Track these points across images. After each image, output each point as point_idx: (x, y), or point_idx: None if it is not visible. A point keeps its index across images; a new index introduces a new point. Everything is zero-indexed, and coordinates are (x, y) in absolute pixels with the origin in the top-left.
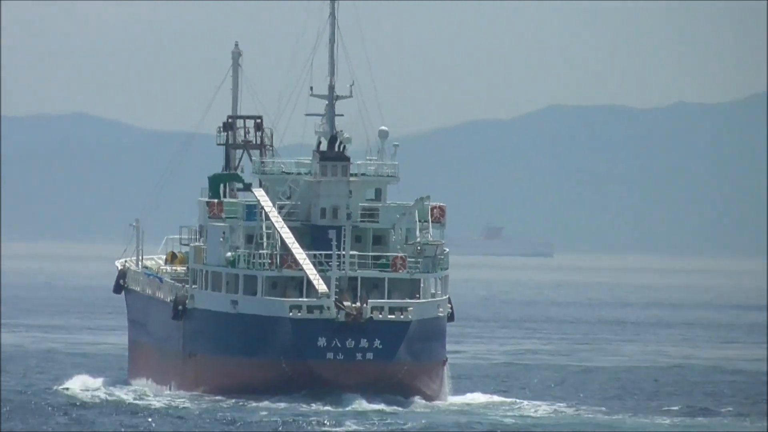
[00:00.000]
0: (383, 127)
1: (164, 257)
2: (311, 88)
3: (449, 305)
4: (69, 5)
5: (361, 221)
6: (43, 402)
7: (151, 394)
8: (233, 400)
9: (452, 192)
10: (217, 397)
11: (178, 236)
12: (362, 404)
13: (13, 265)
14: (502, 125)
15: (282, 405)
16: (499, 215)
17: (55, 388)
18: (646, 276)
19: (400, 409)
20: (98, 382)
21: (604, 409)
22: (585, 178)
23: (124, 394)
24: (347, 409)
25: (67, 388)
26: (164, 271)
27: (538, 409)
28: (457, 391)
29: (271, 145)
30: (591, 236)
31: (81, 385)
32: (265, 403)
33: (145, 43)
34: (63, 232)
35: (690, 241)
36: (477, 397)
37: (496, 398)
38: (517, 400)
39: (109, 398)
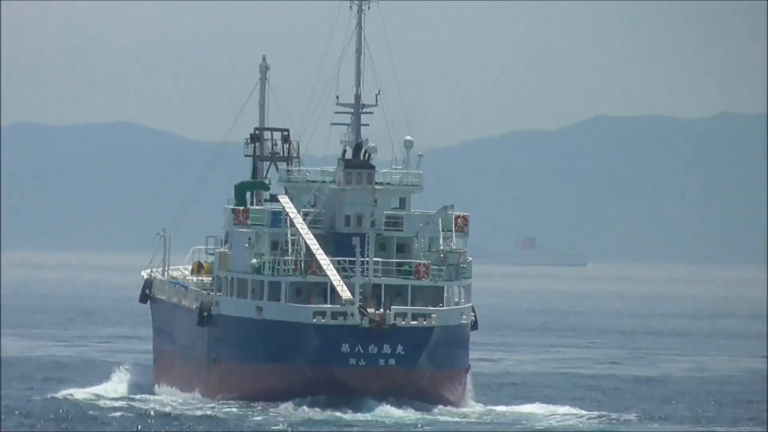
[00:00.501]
0: (408, 137)
1: (190, 267)
2: (337, 98)
3: (473, 313)
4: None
5: (386, 229)
6: (66, 408)
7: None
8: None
9: (490, 202)
10: (240, 404)
11: (204, 246)
12: (387, 410)
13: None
14: (549, 135)
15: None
16: (535, 226)
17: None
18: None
19: (430, 417)
20: (122, 387)
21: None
22: (623, 188)
23: (151, 404)
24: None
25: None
26: (190, 280)
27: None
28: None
29: (298, 157)
30: (627, 246)
31: (106, 391)
32: (288, 407)
33: (177, 52)
34: (93, 242)
35: (743, 252)
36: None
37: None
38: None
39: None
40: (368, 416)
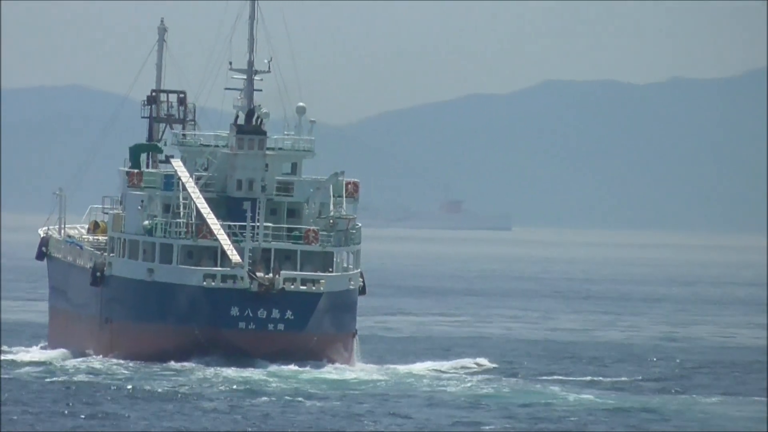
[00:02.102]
0: (300, 104)
1: (87, 226)
2: (230, 63)
3: (361, 279)
4: None
5: (276, 194)
6: None
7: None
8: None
9: (416, 168)
10: (131, 363)
11: (101, 206)
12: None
13: None
14: (501, 99)
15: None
16: (461, 189)
17: None
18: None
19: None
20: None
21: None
22: (563, 152)
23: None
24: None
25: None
26: (86, 239)
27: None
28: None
29: (194, 120)
30: (558, 210)
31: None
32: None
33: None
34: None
35: (682, 216)
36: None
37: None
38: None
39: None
40: (265, 373)
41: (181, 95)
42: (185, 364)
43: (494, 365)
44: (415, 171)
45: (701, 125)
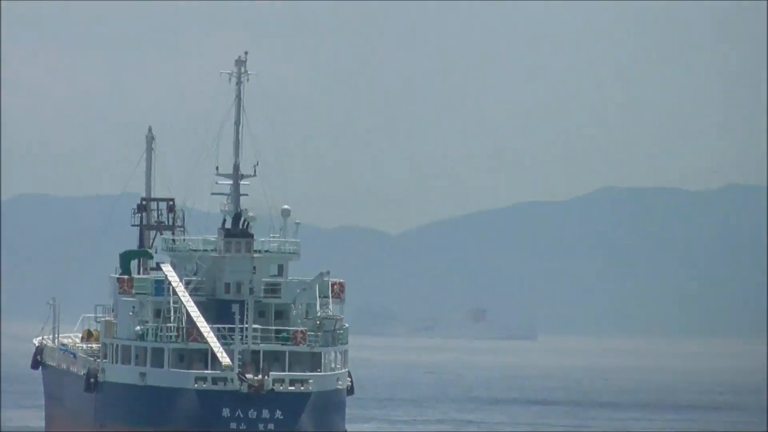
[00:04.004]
0: (285, 206)
1: (80, 335)
2: (217, 168)
3: (349, 378)
4: None
5: (264, 296)
6: None
7: None
8: None
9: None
10: None
11: (93, 315)
12: None
13: None
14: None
15: None
16: (486, 297)
17: None
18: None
19: None
20: None
21: None
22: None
23: None
24: None
25: None
26: (79, 347)
27: None
28: None
29: (183, 226)
30: (576, 319)
31: None
32: None
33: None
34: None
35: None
36: None
37: None
38: None
39: None
40: None
41: (170, 203)
42: None
43: None
44: (439, 278)
45: (757, 232)
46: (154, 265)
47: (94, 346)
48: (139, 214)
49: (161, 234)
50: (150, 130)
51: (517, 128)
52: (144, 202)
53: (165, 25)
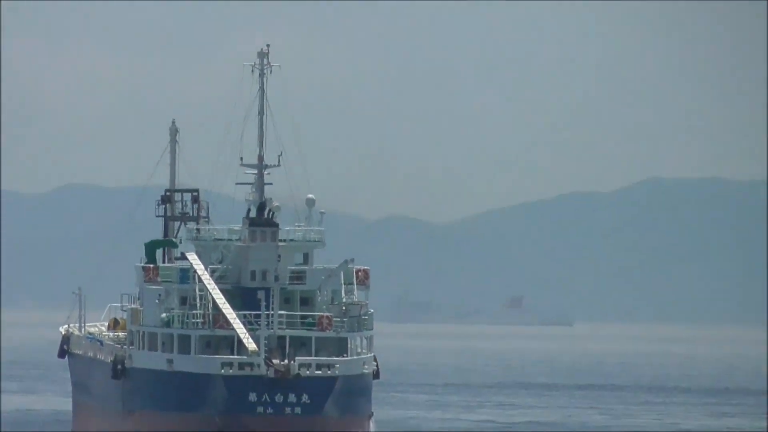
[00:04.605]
0: (310, 195)
1: (107, 324)
2: (241, 159)
3: (374, 363)
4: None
5: (290, 283)
6: None
7: None
8: None
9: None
10: None
11: (119, 304)
12: None
13: None
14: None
15: None
16: (522, 284)
17: None
18: None
19: None
20: None
21: None
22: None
23: None
24: None
25: None
26: (106, 336)
27: None
28: None
29: (207, 217)
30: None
31: None
32: None
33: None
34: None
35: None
36: None
37: None
38: None
39: None
40: None
41: (195, 194)
42: None
43: None
44: (479, 268)
45: None
46: (179, 255)
47: (121, 334)
48: (164, 206)
49: (185, 225)
50: (173, 123)
51: (562, 120)
52: (168, 194)
53: (186, 20)
